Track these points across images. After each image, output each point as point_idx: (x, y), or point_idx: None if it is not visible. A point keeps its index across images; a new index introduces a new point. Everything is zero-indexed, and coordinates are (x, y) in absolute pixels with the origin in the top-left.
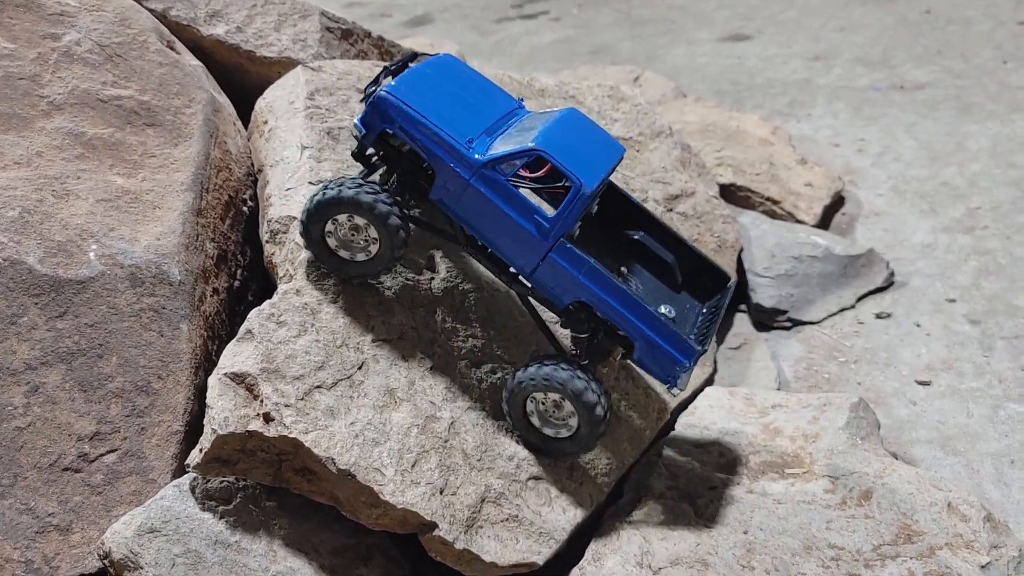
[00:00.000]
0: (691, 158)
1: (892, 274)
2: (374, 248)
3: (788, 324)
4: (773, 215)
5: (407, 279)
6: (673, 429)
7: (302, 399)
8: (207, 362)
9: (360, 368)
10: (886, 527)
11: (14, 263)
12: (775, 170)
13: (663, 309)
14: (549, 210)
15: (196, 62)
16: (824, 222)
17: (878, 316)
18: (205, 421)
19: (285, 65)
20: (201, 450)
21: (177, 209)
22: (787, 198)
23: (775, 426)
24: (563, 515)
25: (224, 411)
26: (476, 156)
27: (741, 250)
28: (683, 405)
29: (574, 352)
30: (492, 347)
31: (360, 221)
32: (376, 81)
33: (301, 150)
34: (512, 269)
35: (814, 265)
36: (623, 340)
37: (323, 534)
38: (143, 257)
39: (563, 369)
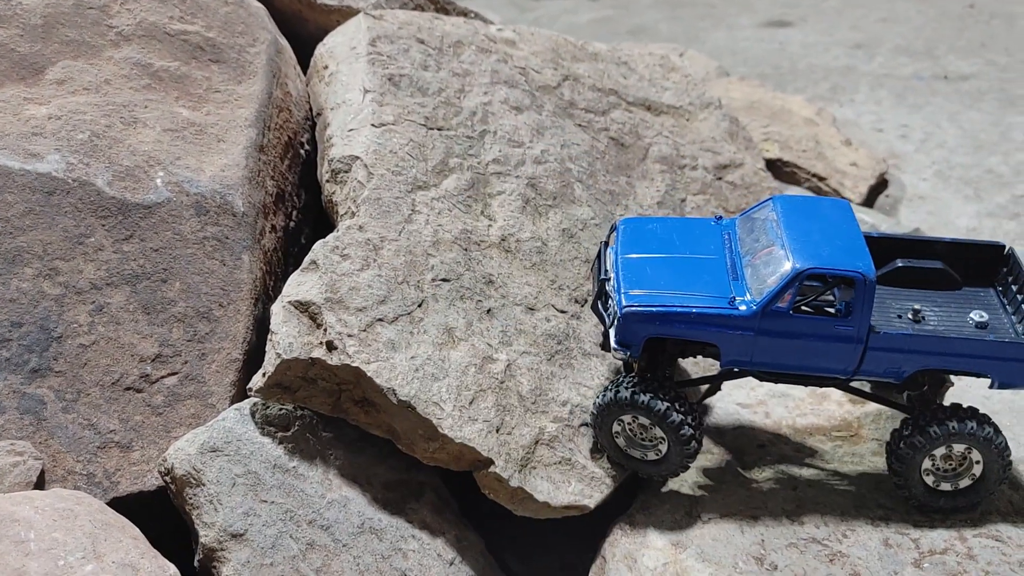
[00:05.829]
0: (739, 131)
1: None
2: (664, 447)
3: None
4: (819, 192)
5: (465, 224)
6: (719, 389)
7: (364, 331)
8: (265, 296)
9: (420, 306)
10: None
11: (83, 184)
12: (821, 148)
13: (975, 316)
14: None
15: (259, 4)
16: (869, 201)
17: None
18: (268, 347)
19: (344, 14)
20: (264, 374)
21: (241, 143)
22: (833, 176)
23: (821, 391)
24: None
25: (288, 337)
26: (753, 307)
27: None
28: None
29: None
30: (545, 294)
31: (645, 421)
32: (599, 263)
33: (364, 93)
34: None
35: None
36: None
37: (376, 468)
38: (208, 187)
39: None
